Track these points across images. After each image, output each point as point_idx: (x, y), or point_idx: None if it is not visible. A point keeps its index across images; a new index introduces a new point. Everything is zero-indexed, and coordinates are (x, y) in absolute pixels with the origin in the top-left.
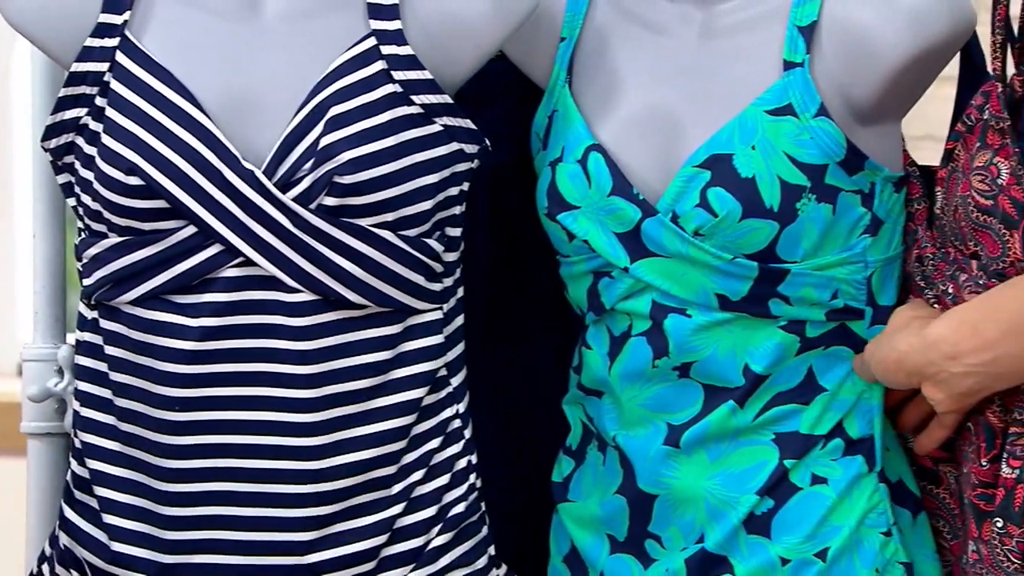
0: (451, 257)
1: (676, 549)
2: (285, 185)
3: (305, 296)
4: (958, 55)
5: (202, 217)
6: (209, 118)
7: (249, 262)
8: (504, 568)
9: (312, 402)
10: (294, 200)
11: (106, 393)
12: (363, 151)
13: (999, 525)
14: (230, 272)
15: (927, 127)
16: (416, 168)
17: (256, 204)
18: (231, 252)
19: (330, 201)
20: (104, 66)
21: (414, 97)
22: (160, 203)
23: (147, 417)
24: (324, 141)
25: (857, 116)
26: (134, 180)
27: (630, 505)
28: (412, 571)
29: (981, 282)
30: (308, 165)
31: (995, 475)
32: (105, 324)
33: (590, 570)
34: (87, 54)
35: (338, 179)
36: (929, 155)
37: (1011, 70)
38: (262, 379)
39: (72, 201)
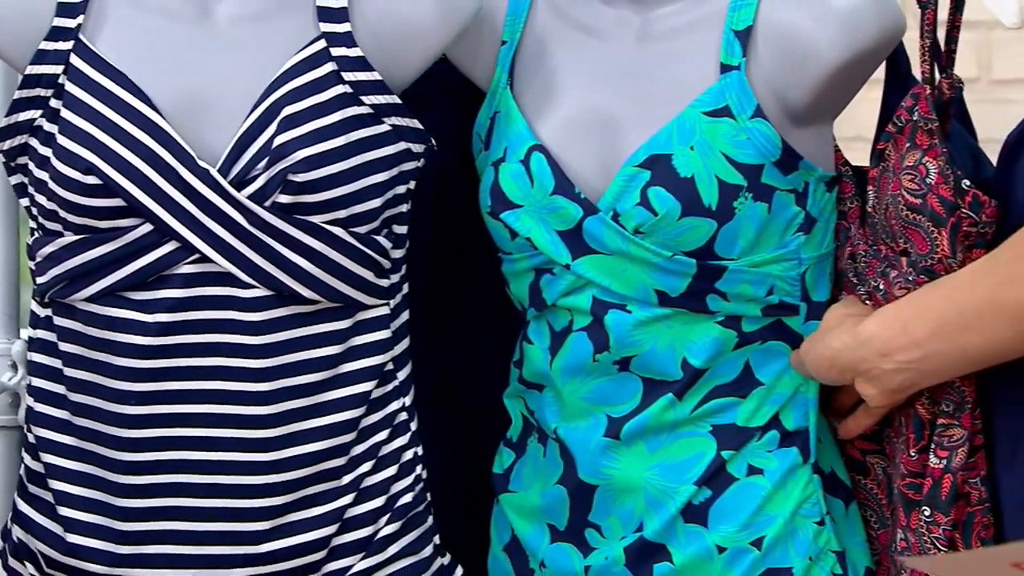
0: (398, 254)
1: (615, 538)
2: (240, 183)
3: (259, 292)
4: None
5: (159, 215)
6: (164, 118)
7: (204, 259)
8: (448, 557)
9: (265, 395)
10: (249, 198)
11: (60, 389)
12: (316, 150)
13: (927, 514)
14: (185, 269)
15: (857, 128)
16: (366, 167)
17: (212, 202)
18: (187, 249)
19: (284, 199)
20: (58, 68)
21: (364, 98)
22: (117, 202)
23: (102, 411)
24: (278, 140)
25: (792, 117)
26: (91, 179)
27: (570, 495)
28: (361, 560)
29: (911, 278)
30: (262, 164)
31: (923, 465)
32: (59, 321)
33: (530, 559)
34: (41, 57)
35: (292, 177)
36: (859, 155)
37: (939, 74)
38: (217, 373)
39: (25, 201)
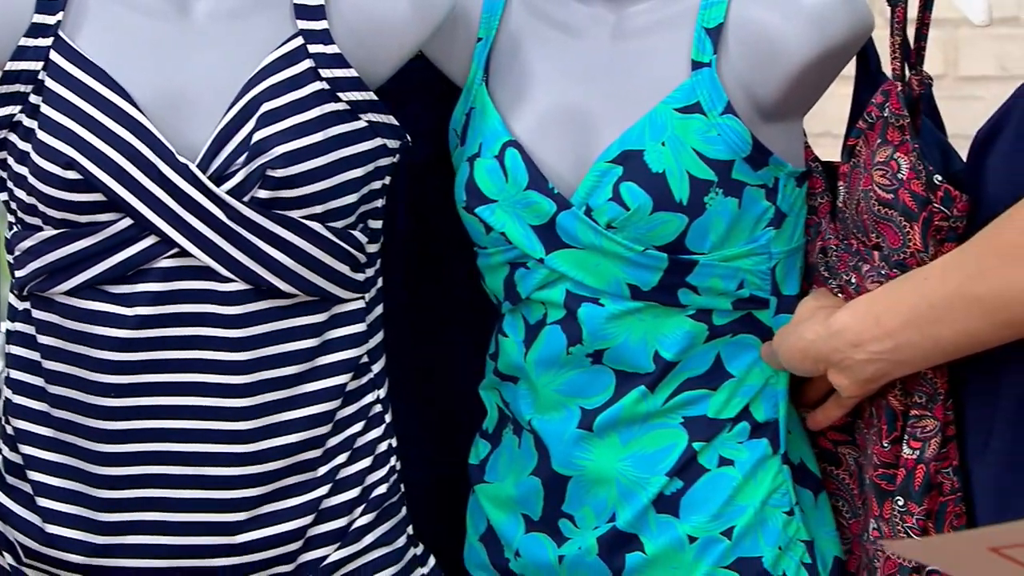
0: (373, 248)
1: (589, 528)
2: (219, 179)
3: (238, 285)
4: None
5: (138, 210)
6: (143, 114)
7: (184, 253)
8: (421, 547)
9: (244, 388)
10: (228, 193)
11: (38, 381)
12: (294, 146)
13: (900, 503)
14: (165, 263)
15: (826, 124)
16: (343, 162)
17: (191, 197)
18: (166, 243)
19: (263, 194)
20: (38, 65)
21: (341, 94)
22: (97, 196)
23: (81, 403)
24: (257, 136)
25: (762, 114)
26: (72, 174)
27: (545, 486)
28: (337, 550)
29: (883, 272)
30: (242, 159)
31: (896, 456)
32: (37, 314)
33: (505, 548)
34: (21, 53)
35: (271, 172)
36: (828, 151)
37: (908, 70)
38: (196, 366)
39: (4, 196)
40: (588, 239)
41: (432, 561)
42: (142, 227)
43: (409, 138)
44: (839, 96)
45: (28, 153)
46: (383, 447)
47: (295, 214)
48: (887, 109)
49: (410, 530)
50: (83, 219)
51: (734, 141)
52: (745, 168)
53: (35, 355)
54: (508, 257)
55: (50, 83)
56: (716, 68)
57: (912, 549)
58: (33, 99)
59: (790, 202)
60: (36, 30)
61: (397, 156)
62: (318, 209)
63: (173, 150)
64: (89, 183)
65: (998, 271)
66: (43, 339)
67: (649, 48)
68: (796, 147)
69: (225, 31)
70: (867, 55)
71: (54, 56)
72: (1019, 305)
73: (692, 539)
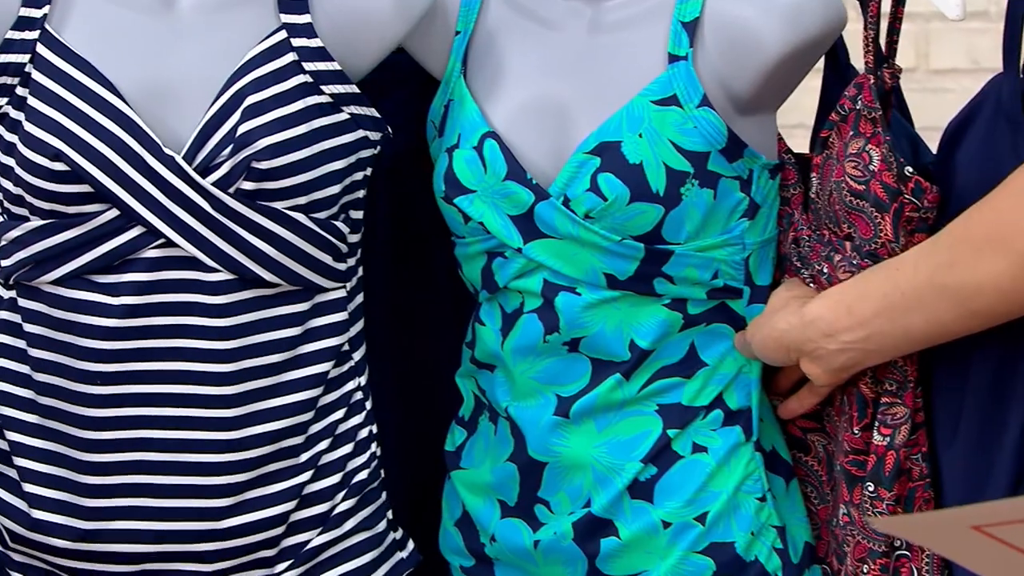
0: (354, 238)
1: (564, 513)
2: (204, 170)
3: (222, 275)
4: None
5: (125, 201)
6: (129, 106)
7: (169, 243)
8: (400, 532)
9: (228, 376)
10: (214, 184)
11: (24, 369)
12: (279, 138)
13: (870, 489)
14: (151, 253)
15: (801, 116)
16: (326, 154)
17: (177, 188)
18: (153, 234)
19: (248, 185)
20: (25, 57)
21: (324, 87)
22: (84, 188)
23: (67, 391)
24: (242, 128)
25: (737, 106)
26: (59, 166)
27: (520, 472)
28: (319, 535)
29: (855, 262)
30: (227, 151)
31: (867, 442)
32: (24, 303)
33: (481, 533)
34: (7, 46)
35: (256, 164)
36: (802, 143)
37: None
38: (181, 354)
39: None
40: (566, 229)
41: (411, 545)
42: (129, 218)
43: (390, 130)
44: (814, 89)
45: (15, 144)
46: (364, 433)
47: (279, 205)
48: (860, 102)
49: (390, 515)
50: (70, 210)
51: (710, 133)
52: (720, 160)
53: (21, 343)
54: (486, 246)
55: (37, 76)
56: (692, 61)
57: (896, 526)
58: (20, 91)
59: (764, 194)
60: (23, 23)
61: (378, 148)
62: (302, 200)
63: (159, 142)
64: (77, 174)
65: (969, 261)
66: (29, 327)
67: (626, 41)
68: (770, 139)
69: (209, 24)
70: (837, 49)
71: (41, 49)
72: (990, 295)
73: (666, 524)
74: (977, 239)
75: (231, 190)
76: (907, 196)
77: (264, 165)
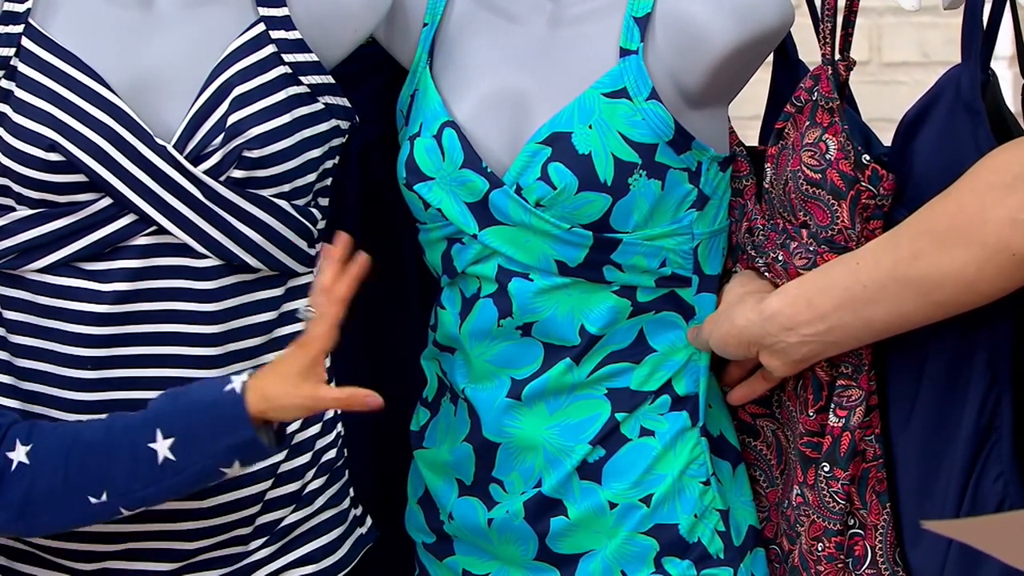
0: (322, 225)
1: (516, 493)
2: (196, 159)
3: (211, 261)
4: None
5: (119, 189)
6: (120, 97)
7: (161, 231)
8: (360, 509)
9: (214, 359)
10: (205, 172)
11: (3, 355)
12: (267, 127)
13: (826, 469)
14: (142, 240)
15: (757, 108)
16: (305, 143)
17: (170, 177)
18: (145, 221)
19: (238, 173)
20: (10, 51)
21: (302, 78)
22: (78, 177)
23: (52, 375)
24: (232, 118)
25: (687, 100)
26: (54, 156)
27: (476, 452)
28: (292, 512)
29: (812, 248)
30: (218, 140)
31: (822, 424)
32: (4, 291)
33: (441, 511)
34: None
35: (247, 153)
36: (758, 134)
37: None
38: (170, 339)
39: None
40: (518, 216)
41: (369, 521)
42: (121, 206)
43: (358, 119)
44: (769, 81)
45: (1, 136)
46: (329, 413)
47: (265, 192)
48: (816, 92)
49: (352, 492)
50: (62, 199)
51: (658, 126)
52: (668, 152)
53: (0, 330)
54: (445, 232)
55: (23, 68)
56: (643, 56)
57: (954, 529)
58: (5, 84)
59: (713, 186)
60: (6, 17)
61: (347, 136)
62: (286, 188)
63: (151, 132)
64: (72, 164)
65: (932, 253)
66: (9, 314)
67: (582, 35)
68: (720, 132)
69: (188, 18)
70: (785, 44)
71: (26, 42)
72: (951, 286)
73: (612, 505)
74: (940, 231)
75: (222, 178)
76: (864, 184)
77: (255, 154)
